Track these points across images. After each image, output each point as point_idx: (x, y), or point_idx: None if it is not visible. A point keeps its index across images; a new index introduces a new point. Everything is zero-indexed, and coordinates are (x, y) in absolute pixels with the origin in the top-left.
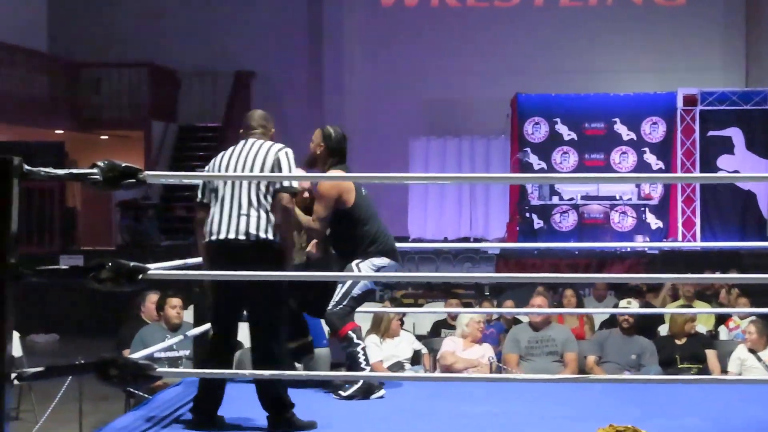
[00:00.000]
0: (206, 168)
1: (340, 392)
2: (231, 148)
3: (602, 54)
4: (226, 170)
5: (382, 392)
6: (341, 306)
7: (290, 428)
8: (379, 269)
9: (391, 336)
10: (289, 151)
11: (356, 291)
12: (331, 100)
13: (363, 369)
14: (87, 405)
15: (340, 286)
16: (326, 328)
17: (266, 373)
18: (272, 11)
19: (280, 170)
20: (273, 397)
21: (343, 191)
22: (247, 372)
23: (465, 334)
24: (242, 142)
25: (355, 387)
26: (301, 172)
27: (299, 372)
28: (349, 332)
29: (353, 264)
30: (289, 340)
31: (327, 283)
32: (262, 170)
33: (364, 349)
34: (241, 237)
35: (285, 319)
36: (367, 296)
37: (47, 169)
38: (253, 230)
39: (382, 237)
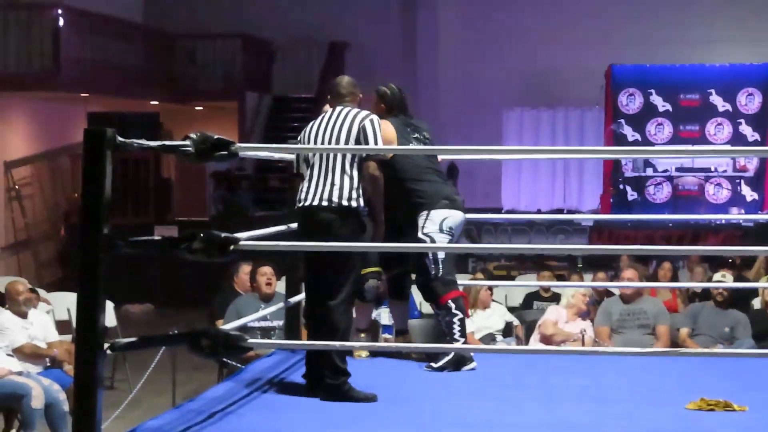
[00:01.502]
0: (298, 138)
1: (432, 364)
2: (320, 117)
3: (698, 24)
4: (315, 140)
5: (473, 364)
6: (439, 273)
7: (344, 399)
8: (442, 221)
9: (482, 307)
10: (375, 118)
11: (441, 255)
12: (425, 69)
13: (456, 340)
14: (180, 375)
15: (428, 255)
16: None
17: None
18: None
19: (365, 139)
20: (326, 364)
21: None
22: (357, 344)
23: (570, 305)
24: (330, 110)
25: (447, 359)
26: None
27: (385, 344)
28: (449, 301)
29: (420, 234)
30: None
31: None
32: (348, 139)
33: (461, 320)
34: (324, 203)
35: (353, 286)
36: (454, 256)
37: (140, 141)
38: (336, 198)
39: (436, 189)
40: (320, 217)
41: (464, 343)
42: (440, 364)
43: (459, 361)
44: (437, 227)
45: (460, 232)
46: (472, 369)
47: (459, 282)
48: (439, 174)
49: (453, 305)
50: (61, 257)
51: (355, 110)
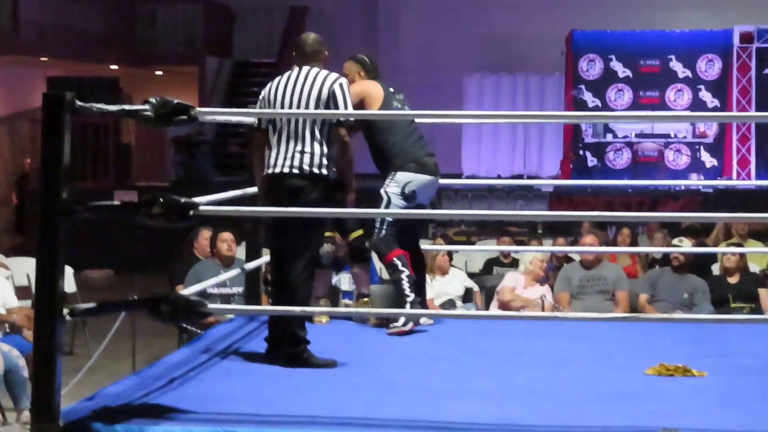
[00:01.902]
0: (261, 95)
1: (391, 328)
2: (286, 75)
3: None
4: (282, 98)
5: (430, 321)
6: (382, 232)
7: (303, 365)
8: (405, 185)
9: (441, 273)
10: (344, 81)
11: (389, 217)
12: (385, 35)
13: (408, 296)
14: (140, 340)
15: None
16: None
17: (334, 310)
18: None
19: (335, 103)
20: (285, 332)
21: (365, 96)
22: (318, 309)
23: (528, 271)
24: (296, 69)
25: (402, 320)
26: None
27: (348, 309)
28: (394, 259)
29: (381, 191)
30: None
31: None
32: (318, 103)
33: (409, 276)
34: (295, 170)
35: (315, 253)
36: (402, 220)
37: (99, 105)
38: (306, 166)
39: (406, 150)
40: (289, 183)
41: (415, 298)
42: (399, 325)
43: (416, 320)
44: (399, 189)
45: (431, 196)
46: (429, 325)
47: (422, 247)
48: (414, 136)
49: (398, 262)
50: (17, 223)
51: (324, 72)
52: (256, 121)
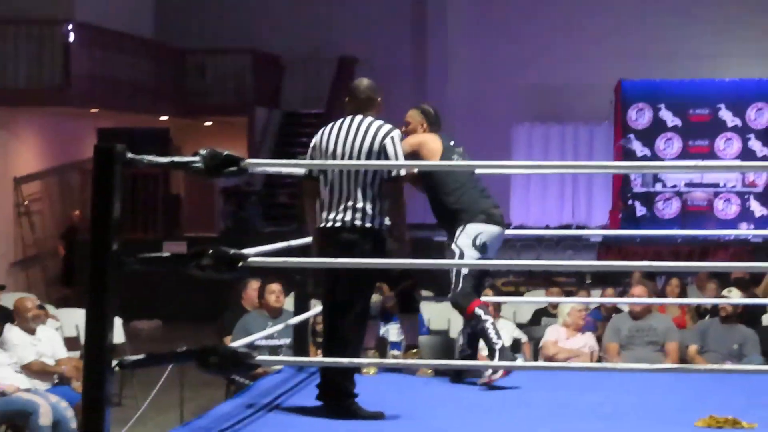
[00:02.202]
0: (312, 141)
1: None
2: (338, 123)
3: (707, 39)
4: (334, 149)
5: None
6: (459, 286)
7: (352, 417)
8: (476, 236)
9: None
10: (396, 135)
11: (465, 270)
12: (435, 85)
13: (495, 343)
14: (188, 391)
15: (453, 269)
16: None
17: (383, 361)
18: None
19: (386, 157)
20: (334, 385)
21: (422, 148)
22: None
23: (567, 323)
24: (348, 118)
25: (491, 371)
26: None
27: (394, 360)
28: (476, 309)
29: (453, 245)
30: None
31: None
32: (369, 156)
33: (493, 324)
34: (347, 225)
35: (366, 305)
36: (479, 272)
37: (150, 157)
38: (358, 222)
39: (474, 201)
40: (342, 237)
41: (503, 343)
42: (496, 376)
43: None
44: (470, 241)
45: (498, 247)
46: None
47: None
48: (479, 188)
49: (481, 312)
50: (63, 275)
51: (376, 123)
52: (307, 170)
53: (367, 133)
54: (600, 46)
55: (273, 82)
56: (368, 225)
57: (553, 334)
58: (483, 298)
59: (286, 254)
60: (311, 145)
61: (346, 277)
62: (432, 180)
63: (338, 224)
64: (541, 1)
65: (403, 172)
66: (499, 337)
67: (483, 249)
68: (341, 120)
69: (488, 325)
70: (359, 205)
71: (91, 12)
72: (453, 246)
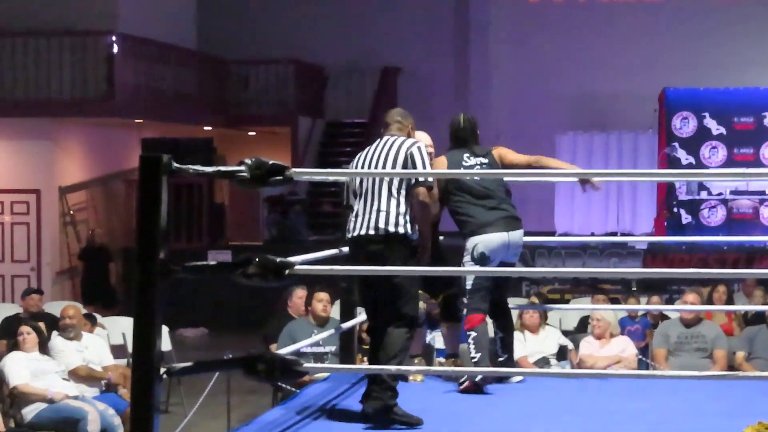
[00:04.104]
0: (351, 166)
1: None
2: (370, 147)
3: (750, 46)
4: (365, 166)
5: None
6: (466, 302)
7: (389, 415)
8: (473, 249)
9: (534, 331)
10: (421, 145)
11: (468, 283)
12: (477, 95)
13: (473, 357)
14: (235, 398)
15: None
16: None
17: (428, 369)
18: (418, 6)
19: (413, 165)
20: (376, 380)
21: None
22: (404, 368)
23: (594, 333)
24: (379, 139)
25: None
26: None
27: (438, 368)
28: (469, 328)
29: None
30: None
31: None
32: (394, 166)
33: (475, 338)
34: (371, 232)
35: (411, 312)
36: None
37: (195, 167)
38: (382, 224)
39: (472, 215)
40: (369, 248)
41: (481, 358)
42: (464, 386)
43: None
44: (469, 255)
45: (515, 252)
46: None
47: (513, 305)
48: (487, 199)
49: (472, 333)
50: (84, 294)
51: (402, 138)
52: (345, 198)
53: (392, 145)
54: (643, 54)
55: (316, 92)
56: (391, 230)
57: (587, 348)
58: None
59: (332, 262)
60: (350, 167)
61: (385, 285)
62: (446, 195)
63: (363, 231)
64: (584, 8)
65: (430, 179)
66: (477, 351)
67: (482, 259)
68: (374, 143)
69: (470, 340)
70: (383, 207)
71: (134, 23)
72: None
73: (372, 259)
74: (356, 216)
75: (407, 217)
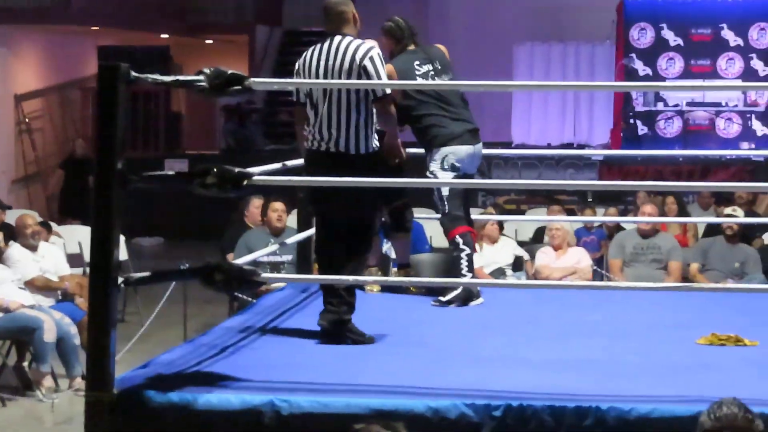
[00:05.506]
0: (296, 65)
1: (440, 298)
2: (318, 48)
3: None
4: (316, 72)
5: (480, 300)
6: (446, 210)
7: (341, 332)
8: (443, 159)
9: (490, 242)
10: (375, 53)
11: (444, 192)
12: (436, 6)
13: (464, 275)
14: (191, 308)
15: (434, 192)
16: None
17: (378, 279)
18: None
19: (367, 76)
20: (332, 294)
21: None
22: (352, 278)
23: (553, 244)
24: (328, 40)
25: (454, 293)
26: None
27: (402, 278)
28: (456, 236)
29: (427, 173)
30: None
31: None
32: (349, 74)
33: (469, 255)
34: (341, 149)
35: (368, 221)
36: (460, 192)
37: (154, 76)
38: (344, 142)
39: (439, 124)
40: (331, 162)
41: (472, 278)
42: (448, 298)
43: (467, 297)
44: (439, 165)
45: (476, 164)
46: (479, 305)
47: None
48: (449, 107)
49: (460, 240)
50: (62, 206)
51: (355, 43)
52: (295, 96)
53: (346, 53)
54: None
55: (274, 1)
56: (362, 151)
57: (543, 258)
58: (484, 216)
59: (288, 173)
60: (295, 69)
61: (346, 198)
62: (401, 104)
63: (323, 147)
64: None
65: (388, 91)
66: (469, 270)
67: (454, 170)
68: (321, 43)
69: (463, 255)
70: (351, 125)
71: None
72: (427, 172)
73: (338, 171)
74: (319, 127)
75: (369, 131)
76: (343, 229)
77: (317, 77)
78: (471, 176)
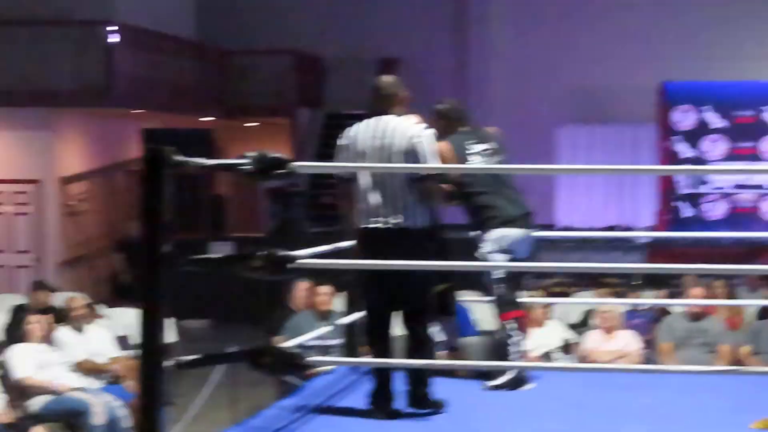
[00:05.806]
0: (343, 140)
1: (490, 382)
2: (367, 125)
3: (750, 40)
4: (364, 152)
5: (531, 385)
6: (498, 292)
7: (431, 406)
8: (498, 242)
9: (538, 325)
10: (424, 136)
11: (496, 274)
12: (477, 86)
13: (513, 360)
14: (240, 391)
15: (485, 275)
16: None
17: (419, 362)
18: None
19: (417, 158)
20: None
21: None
22: (401, 361)
23: (602, 327)
24: (375, 119)
25: (504, 378)
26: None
27: (450, 362)
28: (508, 320)
29: (477, 254)
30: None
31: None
32: (401, 154)
33: (519, 340)
34: (392, 226)
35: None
36: (513, 275)
37: (198, 160)
38: (401, 219)
39: (498, 206)
40: (388, 240)
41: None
42: (499, 382)
43: (517, 382)
44: (492, 248)
45: (528, 249)
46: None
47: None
48: (503, 190)
49: (512, 324)
50: (117, 291)
51: (408, 122)
52: (344, 173)
53: (396, 132)
54: (643, 46)
55: (315, 83)
56: (418, 227)
57: (591, 342)
58: (533, 299)
59: (334, 256)
60: (339, 144)
61: (415, 280)
62: (456, 183)
63: (380, 224)
64: (583, 0)
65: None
66: (519, 355)
67: (507, 253)
68: (368, 121)
69: (509, 342)
70: (399, 202)
71: (132, 13)
72: (477, 254)
73: (392, 253)
74: (368, 205)
75: (421, 209)
76: (417, 310)
77: (369, 154)
78: (522, 260)
